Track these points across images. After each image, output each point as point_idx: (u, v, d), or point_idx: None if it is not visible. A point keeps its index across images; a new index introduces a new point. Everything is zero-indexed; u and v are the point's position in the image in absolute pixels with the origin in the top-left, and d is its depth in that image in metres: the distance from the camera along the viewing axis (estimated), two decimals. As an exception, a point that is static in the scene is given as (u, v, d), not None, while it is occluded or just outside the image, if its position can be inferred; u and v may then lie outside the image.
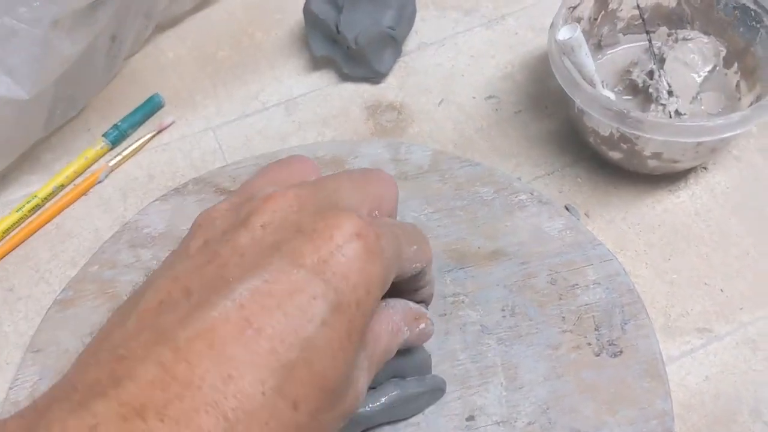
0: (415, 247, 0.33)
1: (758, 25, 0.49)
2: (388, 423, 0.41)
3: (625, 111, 0.44)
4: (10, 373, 0.45)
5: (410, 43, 0.60)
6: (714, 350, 0.44)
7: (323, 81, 0.59)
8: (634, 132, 0.44)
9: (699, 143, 0.45)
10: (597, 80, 0.48)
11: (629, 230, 0.49)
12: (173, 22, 0.63)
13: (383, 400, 0.39)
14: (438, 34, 0.61)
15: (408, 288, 0.36)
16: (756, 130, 0.53)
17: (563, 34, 0.45)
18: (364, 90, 0.58)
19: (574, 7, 0.49)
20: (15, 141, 0.52)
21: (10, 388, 0.44)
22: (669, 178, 0.51)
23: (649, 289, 0.47)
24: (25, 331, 0.47)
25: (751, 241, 0.48)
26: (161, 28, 0.63)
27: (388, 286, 0.30)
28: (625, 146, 0.47)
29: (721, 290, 0.46)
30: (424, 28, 0.61)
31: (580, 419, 0.41)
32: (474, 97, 0.57)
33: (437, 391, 0.41)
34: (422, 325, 0.36)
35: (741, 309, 0.46)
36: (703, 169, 0.51)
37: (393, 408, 0.40)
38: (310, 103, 0.57)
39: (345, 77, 0.58)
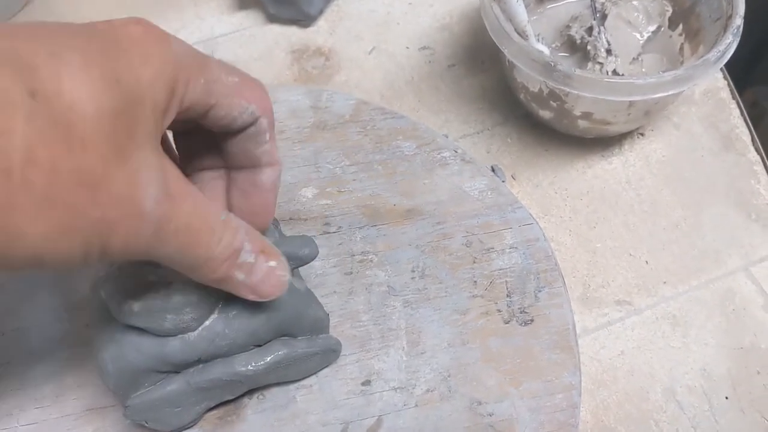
0: (236, 79, 0.29)
1: (704, -16, 0.46)
2: (278, 384, 0.38)
3: (552, 64, 0.41)
4: None
5: (346, -14, 0.57)
6: (632, 324, 0.42)
7: (248, 21, 0.55)
8: (562, 87, 0.41)
9: (630, 104, 0.42)
10: (530, 32, 0.44)
11: (556, 195, 0.46)
12: (94, -51, 0.59)
13: (268, 359, 0.36)
14: (376, -22, 0.57)
15: (244, 153, 0.32)
16: (698, 97, 0.50)
17: (493, -23, 0.42)
18: (292, 33, 0.54)
19: (513, -47, 0.46)
20: None
21: None
22: (603, 142, 0.48)
23: (570, 258, 0.44)
24: None
25: (681, 213, 0.46)
26: (80, -45, 0.58)
27: (179, 96, 0.27)
28: (554, 104, 0.44)
29: (646, 262, 0.44)
30: (362, -28, 0.57)
31: (482, 389, 0.38)
32: (407, 47, 0.53)
33: (330, 352, 0.38)
34: (272, 263, 0.32)
35: (664, 283, 0.43)
36: (639, 135, 0.49)
37: (280, 368, 0.37)
38: (232, 44, 0.53)
39: (272, 18, 0.55)
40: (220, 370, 0.35)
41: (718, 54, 0.41)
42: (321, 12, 0.54)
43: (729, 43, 0.41)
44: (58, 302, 0.41)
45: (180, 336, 0.34)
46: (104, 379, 0.35)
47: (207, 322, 0.35)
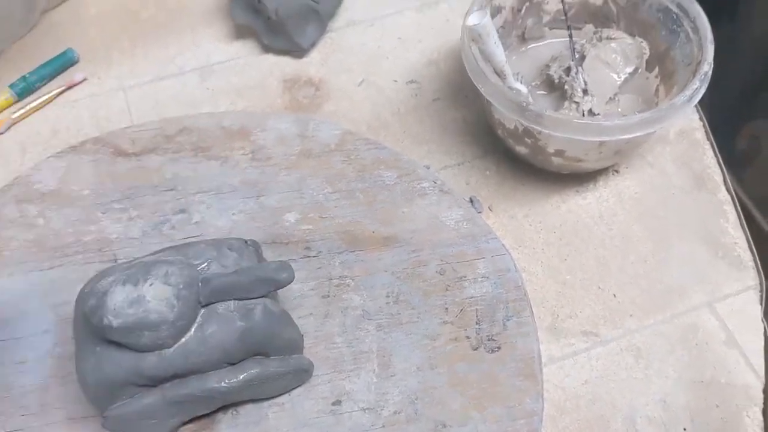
0: None
1: (678, 29, 0.48)
2: (251, 401, 0.40)
3: (525, 104, 0.42)
4: None
5: (339, 19, 0.59)
6: (597, 355, 0.44)
7: (244, 50, 0.57)
8: (534, 126, 0.43)
9: (601, 143, 0.44)
10: (508, 72, 0.47)
11: (530, 227, 0.48)
12: (100, -23, 0.61)
13: (241, 377, 0.38)
14: (368, 12, 0.59)
15: None
16: (673, 137, 0.52)
17: (472, 19, 0.44)
18: (285, 63, 0.56)
19: (495, -6, 0.48)
20: None
21: None
22: (578, 178, 0.50)
23: (540, 288, 0.46)
24: None
25: (650, 248, 0.47)
26: (87, -18, 0.61)
27: None
28: (529, 141, 0.46)
29: (614, 295, 0.46)
30: (355, 5, 0.60)
31: (447, 412, 0.40)
32: (395, 81, 0.55)
33: (302, 372, 0.40)
34: None
35: (630, 316, 0.45)
36: (614, 172, 0.50)
37: (253, 386, 0.38)
38: (227, 72, 0.56)
39: (267, 48, 0.57)
40: (195, 385, 0.37)
41: (685, 98, 0.43)
42: (313, 44, 0.56)
43: (696, 89, 0.43)
44: (49, 315, 0.43)
45: (157, 352, 0.36)
46: (84, 390, 0.37)
47: (183, 340, 0.36)
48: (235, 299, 0.37)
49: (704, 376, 0.43)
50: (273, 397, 0.40)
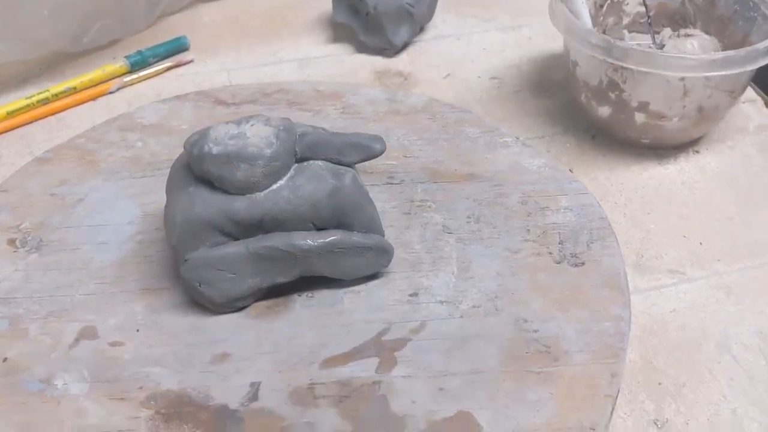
0: None
1: (756, 14, 0.50)
2: (327, 287, 0.39)
3: (612, 41, 0.45)
4: (-30, 206, 0.45)
5: (428, 34, 0.64)
6: (684, 290, 0.42)
7: (339, 50, 0.62)
8: (621, 63, 0.45)
9: (685, 93, 0.46)
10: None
11: (612, 187, 0.48)
12: (217, -4, 0.69)
13: (326, 239, 0.37)
14: (456, 29, 0.64)
15: None
16: (753, 129, 0.53)
17: (562, -22, 0.48)
18: (376, 60, 0.61)
19: (581, -17, 0.52)
20: (40, 38, 0.56)
21: (-35, 207, 0.44)
22: (658, 154, 0.51)
23: (624, 233, 0.45)
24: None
25: (735, 210, 0.47)
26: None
27: None
28: (613, 96, 0.48)
29: (700, 243, 0.44)
30: (444, 26, 0.65)
31: (528, 311, 0.38)
32: (479, 77, 0.59)
33: (382, 252, 0.39)
34: None
35: (718, 260, 0.43)
36: (695, 152, 0.51)
37: (334, 255, 0.38)
38: (323, 65, 0.60)
39: (361, 48, 0.61)
40: (279, 240, 0.37)
41: (765, 47, 0.44)
42: (405, 45, 0.61)
43: (777, 40, 0.45)
44: (135, 210, 0.44)
45: (248, 195, 0.37)
46: (170, 232, 0.37)
47: (274, 186, 0.37)
48: (327, 159, 0.38)
49: (801, 314, 0.40)
50: (349, 286, 0.40)
